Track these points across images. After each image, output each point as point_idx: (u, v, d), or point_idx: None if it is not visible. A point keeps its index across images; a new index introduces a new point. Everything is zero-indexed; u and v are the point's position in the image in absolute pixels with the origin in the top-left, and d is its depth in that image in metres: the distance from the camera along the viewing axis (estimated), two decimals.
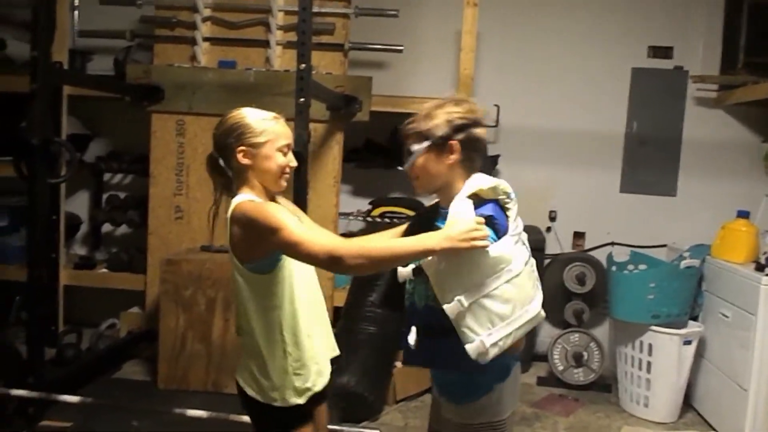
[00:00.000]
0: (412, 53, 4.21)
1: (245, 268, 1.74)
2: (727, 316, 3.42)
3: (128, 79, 3.95)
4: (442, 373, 1.81)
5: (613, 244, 4.37)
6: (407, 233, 1.82)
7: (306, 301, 1.82)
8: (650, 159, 4.37)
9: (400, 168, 3.97)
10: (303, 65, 2.77)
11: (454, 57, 4.16)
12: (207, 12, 3.99)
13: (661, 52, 4.32)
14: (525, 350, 4.24)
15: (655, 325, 3.53)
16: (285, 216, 1.64)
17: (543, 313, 1.63)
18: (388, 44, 4.07)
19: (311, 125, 2.94)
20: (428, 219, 1.80)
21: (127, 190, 4.63)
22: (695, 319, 3.73)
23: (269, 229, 1.62)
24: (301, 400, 1.78)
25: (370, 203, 4.33)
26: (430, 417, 1.97)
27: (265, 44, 3.95)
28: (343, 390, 3.09)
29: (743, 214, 3.58)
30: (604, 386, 3.98)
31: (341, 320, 3.69)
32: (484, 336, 1.54)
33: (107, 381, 3.66)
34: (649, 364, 3.57)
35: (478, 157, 1.74)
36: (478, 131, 1.73)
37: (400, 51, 4.06)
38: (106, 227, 4.59)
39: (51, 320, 3.96)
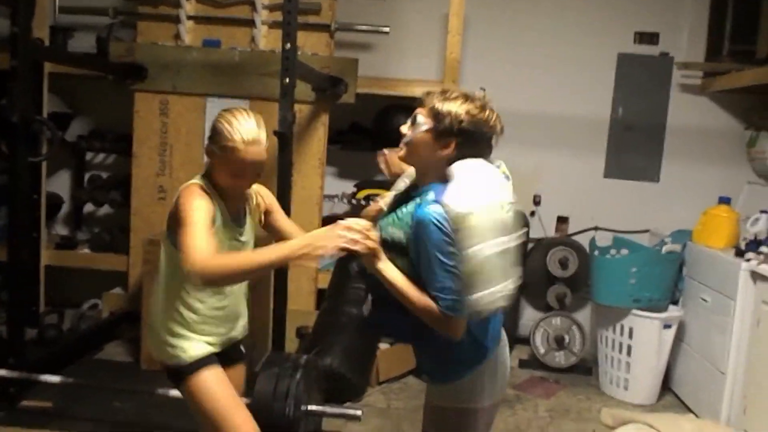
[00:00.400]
0: (398, 35, 4.18)
1: (167, 237, 1.94)
2: (706, 301, 3.47)
3: (111, 57, 3.88)
4: (420, 352, 1.80)
5: (596, 228, 4.40)
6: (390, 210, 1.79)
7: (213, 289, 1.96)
8: (635, 145, 4.39)
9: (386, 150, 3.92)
10: (288, 45, 2.73)
11: (440, 39, 4.14)
12: None
13: (647, 38, 4.33)
14: (506, 333, 4.30)
15: (636, 309, 3.57)
16: (201, 218, 1.77)
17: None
18: (375, 25, 4.04)
19: (296, 106, 2.91)
20: (407, 197, 1.75)
21: (110, 169, 4.58)
22: (675, 303, 3.78)
23: (183, 218, 1.77)
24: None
25: (355, 186, 4.31)
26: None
27: (251, 23, 3.90)
28: (326, 371, 3.09)
29: (725, 200, 3.63)
30: (585, 369, 4.02)
31: (325, 302, 3.67)
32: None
33: (89, 362, 3.65)
34: (629, 347, 3.61)
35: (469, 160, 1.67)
36: (480, 145, 1.68)
37: (386, 33, 4.03)
38: (88, 207, 4.54)
39: (32, 301, 3.92)
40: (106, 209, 4.50)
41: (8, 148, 2.93)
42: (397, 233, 1.65)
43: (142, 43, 3.95)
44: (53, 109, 4.18)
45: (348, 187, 4.35)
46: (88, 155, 4.57)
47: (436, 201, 1.57)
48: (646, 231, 4.34)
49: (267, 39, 3.92)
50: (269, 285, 3.81)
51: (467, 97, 1.67)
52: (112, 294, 4.15)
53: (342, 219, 1.67)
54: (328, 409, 2.62)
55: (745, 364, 3.17)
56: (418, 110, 1.69)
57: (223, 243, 1.90)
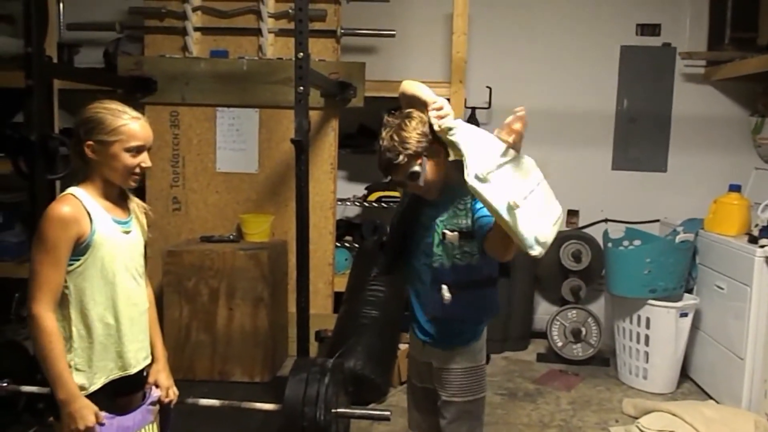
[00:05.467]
0: (403, 37, 4.21)
1: None
2: (722, 288, 3.50)
3: (120, 71, 3.92)
4: (449, 324, 2.02)
5: (606, 220, 4.44)
6: (393, 229, 2.19)
7: (103, 310, 1.82)
8: (641, 136, 4.42)
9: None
10: (301, 54, 2.76)
11: (444, 40, 4.17)
12: (197, 1, 3.96)
13: (649, 29, 4.36)
14: (523, 327, 4.33)
15: (652, 299, 3.60)
16: (57, 243, 1.70)
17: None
18: (380, 29, 4.07)
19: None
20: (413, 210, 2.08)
21: None
22: (690, 291, 3.81)
23: (38, 238, 1.71)
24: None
25: (366, 188, 4.35)
26: (414, 376, 2.21)
27: (257, 32, 3.94)
28: (350, 373, 3.13)
29: (735, 188, 3.65)
30: (603, 360, 4.05)
31: (343, 305, 3.72)
32: None
33: None
34: (647, 337, 3.64)
35: None
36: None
37: (392, 36, 4.06)
38: None
39: None
40: None
41: (27, 166, 2.96)
42: (464, 221, 1.93)
43: (150, 56, 3.98)
44: (64, 125, 4.21)
45: (359, 190, 4.38)
46: None
47: None
48: (657, 221, 4.36)
49: (274, 47, 3.96)
50: (286, 289, 3.85)
51: (405, 121, 1.93)
52: None
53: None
54: (358, 411, 2.66)
55: (763, 349, 3.20)
56: (404, 170, 1.93)
57: (109, 239, 1.79)
